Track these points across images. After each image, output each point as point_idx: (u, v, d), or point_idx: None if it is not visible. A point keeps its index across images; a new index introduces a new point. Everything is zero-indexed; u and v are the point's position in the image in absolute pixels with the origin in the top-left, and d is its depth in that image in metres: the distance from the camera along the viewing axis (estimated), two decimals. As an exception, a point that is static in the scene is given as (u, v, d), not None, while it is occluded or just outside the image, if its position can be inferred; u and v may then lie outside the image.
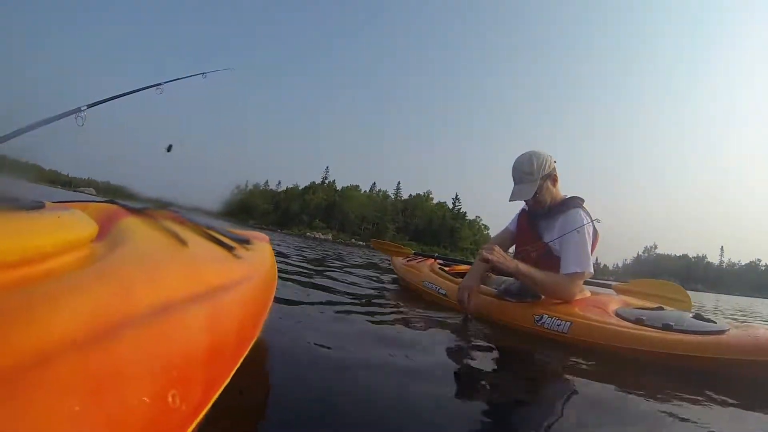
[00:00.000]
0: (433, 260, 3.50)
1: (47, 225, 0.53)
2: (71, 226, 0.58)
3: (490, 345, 1.72)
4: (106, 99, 1.76)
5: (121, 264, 0.53)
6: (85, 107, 1.61)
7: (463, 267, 3.42)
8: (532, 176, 2.12)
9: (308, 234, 69.89)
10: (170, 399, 0.39)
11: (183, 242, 0.71)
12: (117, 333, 0.38)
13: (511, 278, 2.29)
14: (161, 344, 0.42)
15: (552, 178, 2.16)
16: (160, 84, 2.16)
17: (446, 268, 3.20)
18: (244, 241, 1.01)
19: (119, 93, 1.86)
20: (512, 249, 2.45)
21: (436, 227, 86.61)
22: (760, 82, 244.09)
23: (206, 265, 0.69)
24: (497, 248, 2.11)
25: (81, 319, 0.36)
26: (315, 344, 1.30)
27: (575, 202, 2.14)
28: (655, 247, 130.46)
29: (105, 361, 0.35)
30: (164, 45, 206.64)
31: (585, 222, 2.03)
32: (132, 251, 0.61)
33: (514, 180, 2.20)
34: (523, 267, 2.00)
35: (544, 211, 2.19)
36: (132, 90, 1.98)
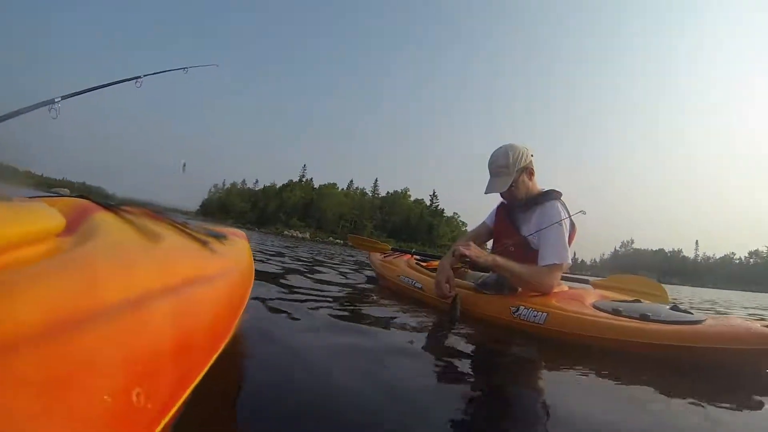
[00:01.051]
0: (410, 256, 3.55)
1: (6, 215, 0.49)
2: (34, 217, 0.54)
3: (467, 337, 1.72)
4: (81, 91, 1.70)
5: (86, 256, 0.50)
6: (59, 99, 1.54)
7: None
8: (507, 169, 2.14)
9: (286, 233, 69.35)
10: (134, 397, 0.37)
11: (155, 236, 0.68)
12: (77, 327, 0.35)
13: (487, 273, 2.31)
14: (125, 339, 0.40)
15: (528, 171, 2.18)
16: (139, 77, 2.09)
17: (423, 264, 3.20)
18: (220, 237, 0.98)
19: (95, 85, 1.80)
20: (490, 244, 2.47)
21: (413, 224, 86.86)
22: (731, 80, 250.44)
23: (178, 258, 0.66)
24: (473, 244, 2.13)
25: (39, 312, 0.34)
26: (293, 342, 1.30)
27: (552, 195, 2.16)
28: (632, 242, 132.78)
29: (63, 357, 0.32)
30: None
31: (562, 214, 2.05)
32: (100, 244, 0.57)
33: (490, 173, 2.22)
34: (500, 260, 2.02)
35: (520, 204, 2.21)
36: (109, 82, 1.92)
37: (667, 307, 1.82)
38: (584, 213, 2.12)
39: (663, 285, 2.59)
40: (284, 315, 1.65)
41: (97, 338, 0.36)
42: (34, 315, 0.33)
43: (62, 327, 0.34)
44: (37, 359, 0.31)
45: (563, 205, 2.13)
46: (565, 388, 1.22)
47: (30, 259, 0.46)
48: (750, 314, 5.51)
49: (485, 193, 2.22)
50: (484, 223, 2.50)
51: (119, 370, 0.37)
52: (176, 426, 0.47)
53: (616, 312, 1.76)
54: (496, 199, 2.34)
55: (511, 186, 2.15)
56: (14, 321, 0.32)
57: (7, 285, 0.35)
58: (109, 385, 0.35)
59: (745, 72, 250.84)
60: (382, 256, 3.62)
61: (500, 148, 2.21)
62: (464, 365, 1.34)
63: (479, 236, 2.48)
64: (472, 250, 2.07)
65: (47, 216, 0.57)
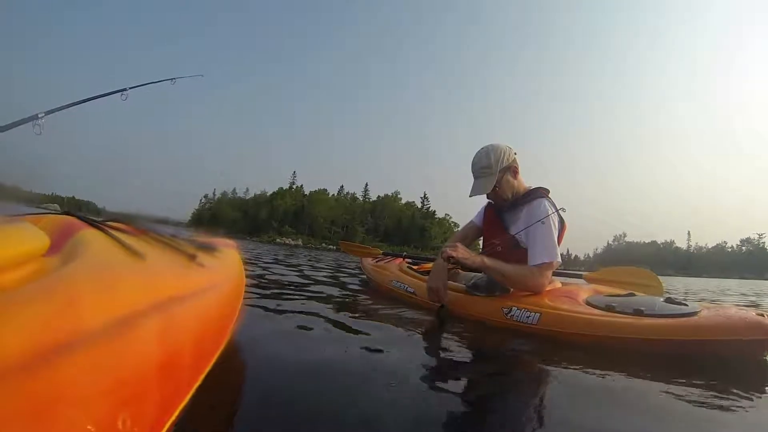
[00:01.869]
0: (402, 259, 3.52)
1: None
2: (18, 239, 0.53)
3: (461, 341, 1.71)
4: (65, 105, 1.67)
5: (69, 278, 0.49)
6: (43, 114, 1.51)
7: (431, 265, 3.39)
8: (490, 170, 2.13)
9: (278, 240, 69.17)
10: (120, 424, 0.37)
11: (140, 253, 0.67)
12: (61, 352, 0.35)
13: (479, 274, 2.29)
14: (110, 363, 0.39)
15: (512, 170, 2.17)
16: (125, 89, 2.06)
17: (414, 267, 3.19)
18: (209, 248, 0.96)
19: (79, 99, 1.78)
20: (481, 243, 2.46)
21: (405, 227, 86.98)
22: (715, 73, 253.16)
23: (164, 275, 0.65)
24: (460, 245, 2.11)
25: (22, 338, 0.33)
26: (288, 352, 1.29)
27: (539, 193, 2.15)
28: (625, 235, 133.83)
29: (45, 386, 0.32)
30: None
31: (550, 212, 2.04)
32: (84, 264, 0.56)
33: (473, 175, 2.22)
34: (489, 261, 2.01)
35: (508, 203, 2.21)
36: (94, 96, 1.89)
37: (661, 299, 1.80)
38: (564, 210, 2.10)
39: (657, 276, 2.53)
40: (277, 325, 1.65)
41: (81, 364, 0.36)
42: (17, 343, 0.33)
43: (45, 354, 0.33)
44: (19, 389, 0.30)
45: (551, 202, 2.12)
46: (559, 388, 1.21)
47: (15, 282, 0.45)
48: (745, 302, 5.53)
49: (470, 196, 2.21)
50: (472, 222, 2.49)
51: (104, 397, 0.37)
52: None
53: (609, 308, 1.74)
54: (485, 198, 2.33)
55: (495, 186, 2.14)
56: None
57: None
58: (94, 412, 0.35)
59: (735, 70, 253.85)
60: (374, 260, 3.61)
61: (482, 149, 2.21)
62: (459, 369, 1.34)
63: (467, 236, 2.48)
64: (459, 252, 2.05)
65: (31, 237, 0.57)
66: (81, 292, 0.45)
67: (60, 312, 0.39)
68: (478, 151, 2.21)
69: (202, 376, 0.60)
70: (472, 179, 2.23)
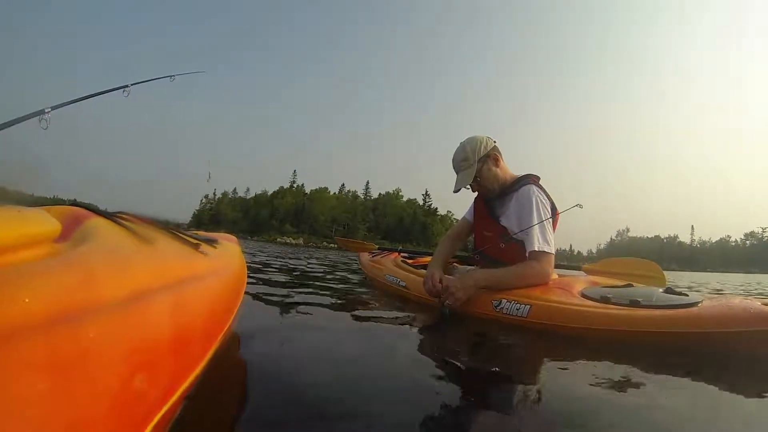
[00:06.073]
0: (397, 254, 3.52)
1: (5, 219, 0.49)
2: (32, 221, 0.54)
3: (447, 335, 1.70)
4: (71, 101, 1.70)
5: (85, 256, 0.52)
6: (49, 109, 1.53)
7: (427, 259, 3.34)
8: (467, 162, 2.11)
9: (279, 239, 69.15)
10: (137, 382, 0.40)
11: (149, 239, 0.70)
12: (83, 317, 0.37)
13: (473, 266, 2.27)
14: (127, 329, 0.42)
15: (492, 158, 2.13)
16: (126, 86, 2.08)
17: (410, 261, 3.17)
18: (211, 241, 0.99)
19: (84, 95, 1.80)
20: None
21: (407, 224, 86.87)
22: (715, 67, 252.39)
23: (171, 259, 0.69)
24: (453, 288, 1.91)
25: (46, 302, 0.35)
26: (288, 341, 1.31)
27: (527, 180, 2.10)
28: (628, 230, 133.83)
29: (70, 342, 0.34)
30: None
31: (540, 197, 2.00)
32: (97, 246, 0.59)
33: (455, 171, 2.19)
34: (483, 277, 1.93)
35: (495, 193, 2.17)
36: (98, 92, 1.92)
37: (660, 290, 1.71)
38: (581, 207, 2.06)
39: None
40: (275, 316, 1.68)
41: (100, 329, 0.38)
42: (41, 305, 0.35)
43: (67, 318, 0.35)
44: (47, 345, 0.32)
45: (541, 188, 2.08)
46: (547, 384, 1.16)
47: (30, 260, 0.47)
48: (750, 292, 5.46)
49: (454, 191, 2.17)
50: (464, 218, 2.44)
51: (122, 359, 0.40)
52: (180, 411, 0.50)
53: (604, 299, 1.65)
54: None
55: (476, 177, 2.10)
56: (22, 310, 0.33)
57: (14, 278, 0.36)
58: (114, 370, 0.38)
59: (740, 60, 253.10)
60: (371, 255, 3.62)
61: (460, 144, 2.19)
62: (444, 365, 1.27)
63: (461, 234, 2.43)
64: (459, 295, 1.90)
65: (44, 221, 0.58)
66: (97, 268, 0.48)
67: (80, 283, 0.42)
68: (456, 148, 2.20)
69: (210, 353, 0.63)
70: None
